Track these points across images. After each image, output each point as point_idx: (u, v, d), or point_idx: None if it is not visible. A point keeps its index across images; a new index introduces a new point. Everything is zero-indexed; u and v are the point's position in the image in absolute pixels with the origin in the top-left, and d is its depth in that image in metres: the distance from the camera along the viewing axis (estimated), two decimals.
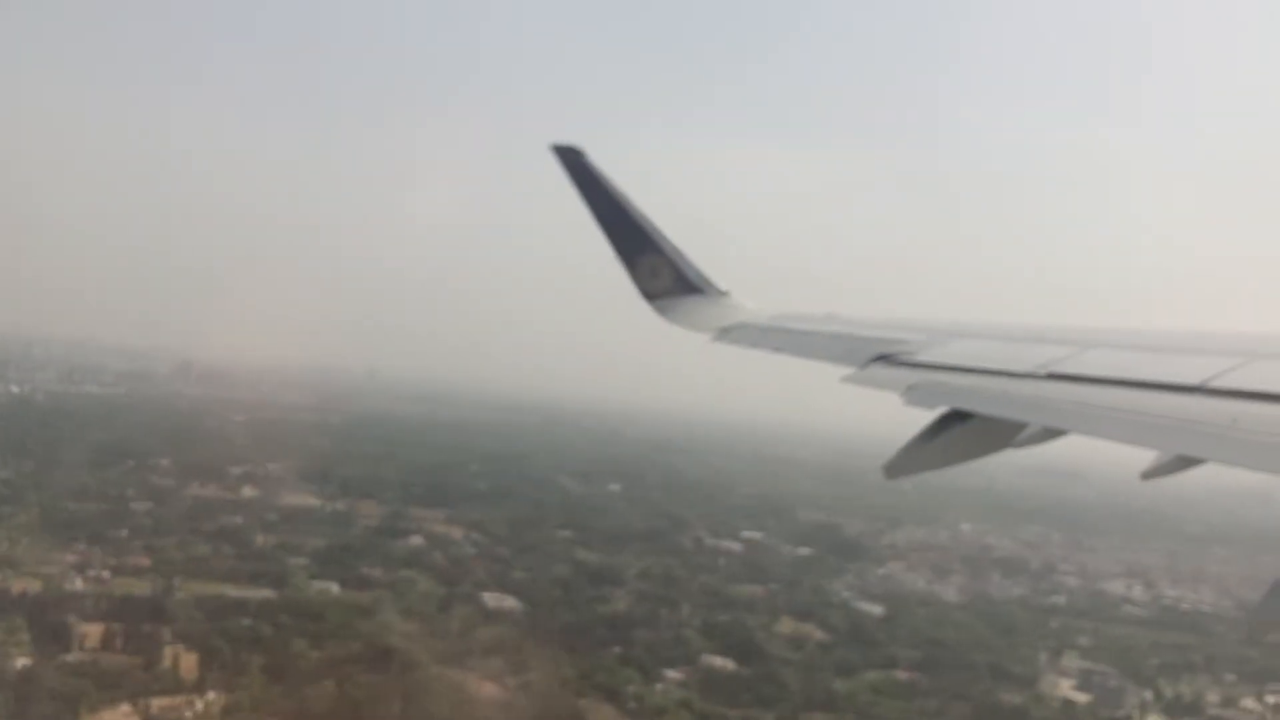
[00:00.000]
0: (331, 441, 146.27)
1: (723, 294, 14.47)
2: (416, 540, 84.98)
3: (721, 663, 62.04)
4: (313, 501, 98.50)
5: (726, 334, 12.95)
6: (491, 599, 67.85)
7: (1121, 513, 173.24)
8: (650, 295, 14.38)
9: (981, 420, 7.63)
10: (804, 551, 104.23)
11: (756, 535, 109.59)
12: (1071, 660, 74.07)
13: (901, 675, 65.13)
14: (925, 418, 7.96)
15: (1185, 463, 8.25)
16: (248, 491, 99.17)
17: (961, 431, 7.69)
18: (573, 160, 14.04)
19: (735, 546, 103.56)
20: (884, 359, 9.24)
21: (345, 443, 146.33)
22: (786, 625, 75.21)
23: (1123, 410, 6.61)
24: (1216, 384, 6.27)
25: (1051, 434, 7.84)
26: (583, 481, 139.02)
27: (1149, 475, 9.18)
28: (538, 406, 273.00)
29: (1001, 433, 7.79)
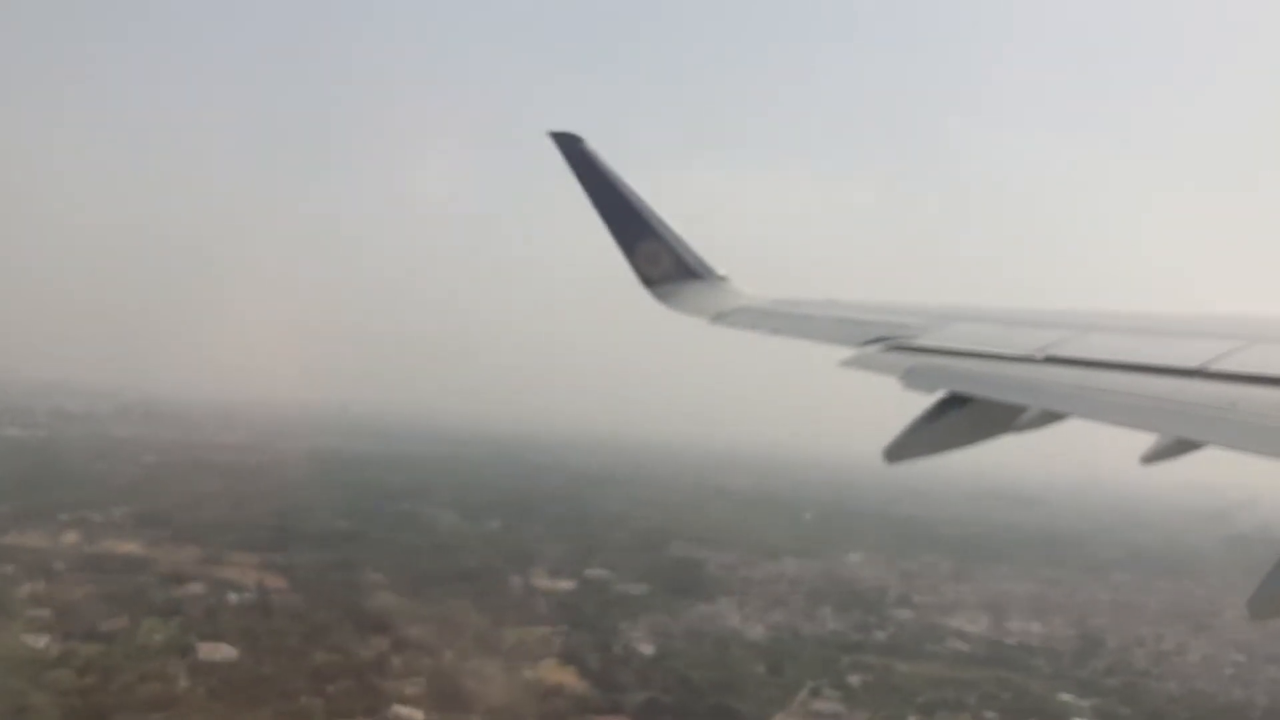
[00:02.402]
0: (225, 482, 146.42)
1: (722, 279, 14.55)
2: (196, 588, 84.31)
3: (409, 713, 60.72)
4: (130, 548, 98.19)
5: (725, 318, 12.95)
6: (208, 649, 66.97)
7: (1048, 538, 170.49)
8: (649, 281, 14.46)
9: (981, 404, 7.66)
10: (637, 589, 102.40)
11: (601, 573, 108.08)
12: (823, 702, 71.95)
13: None
14: (918, 411, 7.98)
15: (1185, 446, 8.11)
16: (69, 538, 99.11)
17: (961, 415, 7.73)
18: (571, 148, 14.09)
19: (567, 586, 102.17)
20: (883, 342, 9.26)
21: (238, 483, 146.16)
22: (542, 670, 73.75)
23: (1122, 393, 6.62)
24: (1216, 367, 6.29)
25: (1051, 417, 7.73)
26: (466, 518, 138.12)
27: (1148, 459, 9.10)
28: (502, 438, 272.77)
29: (1001, 416, 7.79)
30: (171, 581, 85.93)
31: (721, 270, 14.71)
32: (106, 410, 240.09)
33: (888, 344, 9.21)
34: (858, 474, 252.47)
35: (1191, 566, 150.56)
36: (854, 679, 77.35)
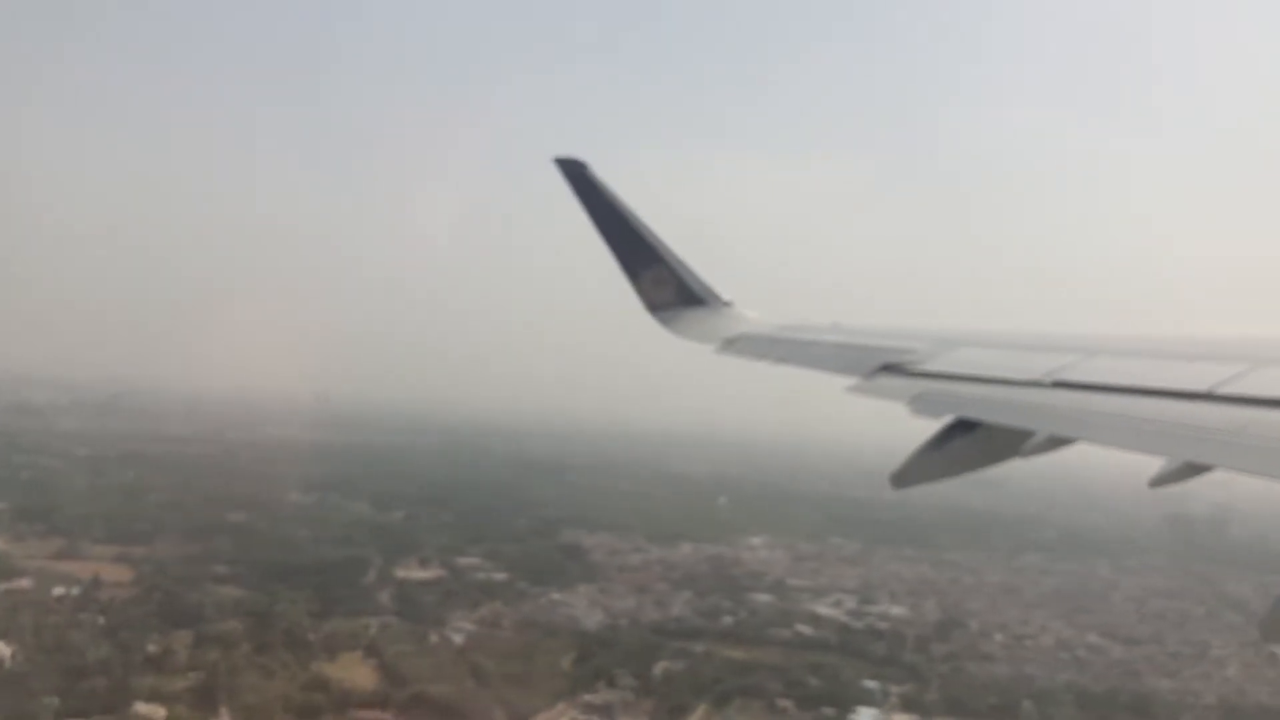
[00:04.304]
0: (144, 474, 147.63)
1: (726, 305, 14.68)
2: (24, 583, 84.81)
3: (149, 710, 60.54)
4: None
5: (730, 345, 13.09)
6: None
7: (983, 520, 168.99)
8: (654, 307, 14.60)
9: (988, 429, 7.74)
10: (500, 577, 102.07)
11: (474, 561, 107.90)
12: (610, 693, 70.73)
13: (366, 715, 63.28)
14: (924, 428, 8.06)
15: (1193, 470, 8.07)
16: None
17: (968, 440, 7.83)
18: (576, 173, 14.20)
19: (429, 575, 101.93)
20: (890, 369, 9.33)
21: (156, 475, 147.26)
22: (340, 663, 73.26)
23: (1130, 417, 6.68)
24: (1224, 390, 6.32)
25: (1059, 442, 7.81)
26: (377, 508, 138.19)
27: (1157, 483, 9.13)
28: (474, 427, 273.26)
29: (1009, 441, 7.88)
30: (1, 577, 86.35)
31: (726, 295, 14.74)
32: (66, 404, 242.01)
33: (895, 370, 9.18)
34: (823, 458, 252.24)
35: (1115, 548, 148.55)
36: (663, 667, 76.42)
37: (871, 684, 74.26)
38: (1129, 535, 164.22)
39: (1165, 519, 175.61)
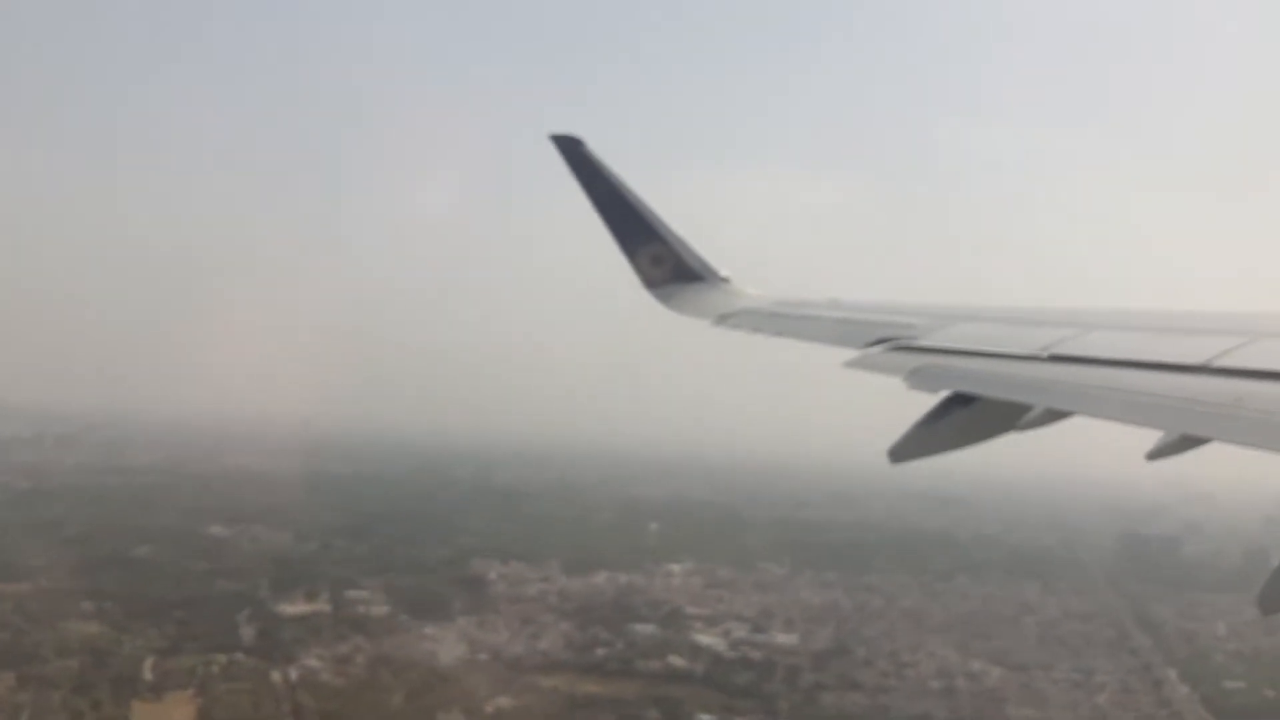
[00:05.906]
0: (66, 508, 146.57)
1: (724, 280, 14.70)
2: None
3: None
4: None
5: (727, 319, 13.11)
6: None
7: (929, 541, 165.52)
8: (651, 284, 14.62)
9: (985, 403, 7.80)
10: (380, 611, 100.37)
11: (363, 594, 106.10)
12: None
13: None
14: (920, 412, 8.09)
15: (1190, 443, 8.09)
16: None
17: (965, 415, 7.87)
18: (572, 150, 14.11)
19: (310, 610, 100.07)
20: (887, 343, 9.41)
21: (80, 508, 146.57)
22: (166, 703, 71.88)
23: (1126, 391, 6.74)
24: (1220, 363, 6.36)
25: (1055, 416, 7.85)
26: (299, 539, 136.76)
27: (1154, 456, 9.12)
28: (447, 452, 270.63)
29: (1005, 415, 7.94)
30: None
31: (724, 272, 14.75)
32: (29, 435, 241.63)
33: (891, 345, 9.24)
34: (797, 479, 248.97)
35: (1056, 569, 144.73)
36: (497, 704, 74.44)
37: (707, 717, 71.96)
38: (1078, 556, 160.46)
39: (1119, 538, 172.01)
